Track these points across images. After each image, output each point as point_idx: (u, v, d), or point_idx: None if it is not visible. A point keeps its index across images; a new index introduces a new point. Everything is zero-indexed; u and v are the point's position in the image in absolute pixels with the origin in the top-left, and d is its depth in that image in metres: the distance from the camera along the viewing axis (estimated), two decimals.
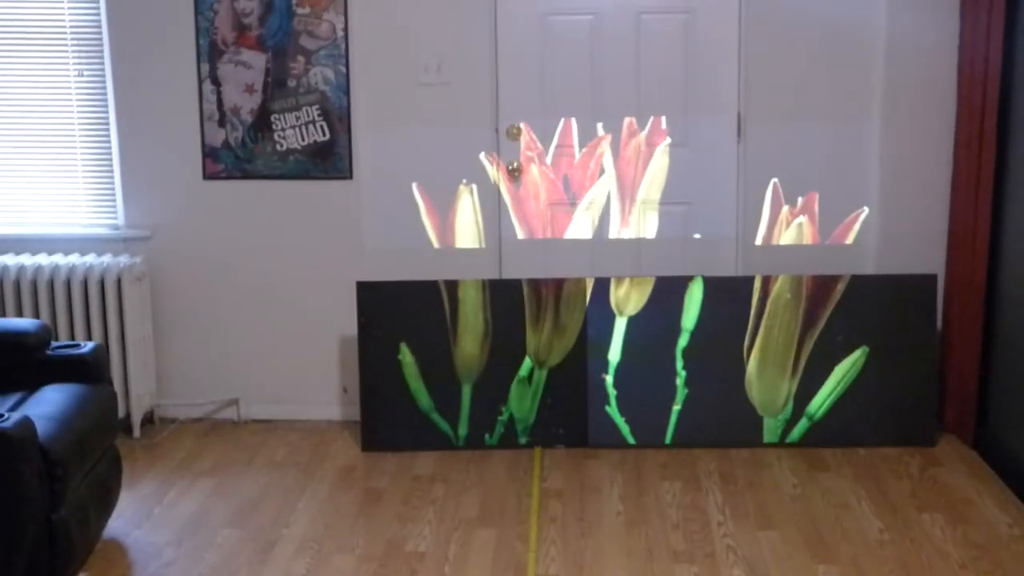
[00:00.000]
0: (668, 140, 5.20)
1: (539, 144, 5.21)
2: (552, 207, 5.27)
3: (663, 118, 5.19)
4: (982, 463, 4.83)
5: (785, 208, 5.19)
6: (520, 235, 5.29)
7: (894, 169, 5.13)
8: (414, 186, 5.25)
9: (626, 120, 5.19)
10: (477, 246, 5.29)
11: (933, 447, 4.99)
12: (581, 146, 5.22)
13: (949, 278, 5.09)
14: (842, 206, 5.21)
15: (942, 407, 5.11)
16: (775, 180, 5.19)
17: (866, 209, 5.17)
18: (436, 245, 5.30)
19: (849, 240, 5.21)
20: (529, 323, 5.02)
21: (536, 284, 5.02)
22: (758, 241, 5.22)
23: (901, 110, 5.09)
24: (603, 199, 5.24)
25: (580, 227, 5.27)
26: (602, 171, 5.22)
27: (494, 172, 5.21)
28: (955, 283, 5.03)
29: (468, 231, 5.29)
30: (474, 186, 5.24)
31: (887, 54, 5.04)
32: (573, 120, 5.20)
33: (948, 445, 5.03)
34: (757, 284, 4.98)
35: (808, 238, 5.22)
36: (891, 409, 5.01)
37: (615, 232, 5.28)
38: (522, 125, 5.18)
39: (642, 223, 5.27)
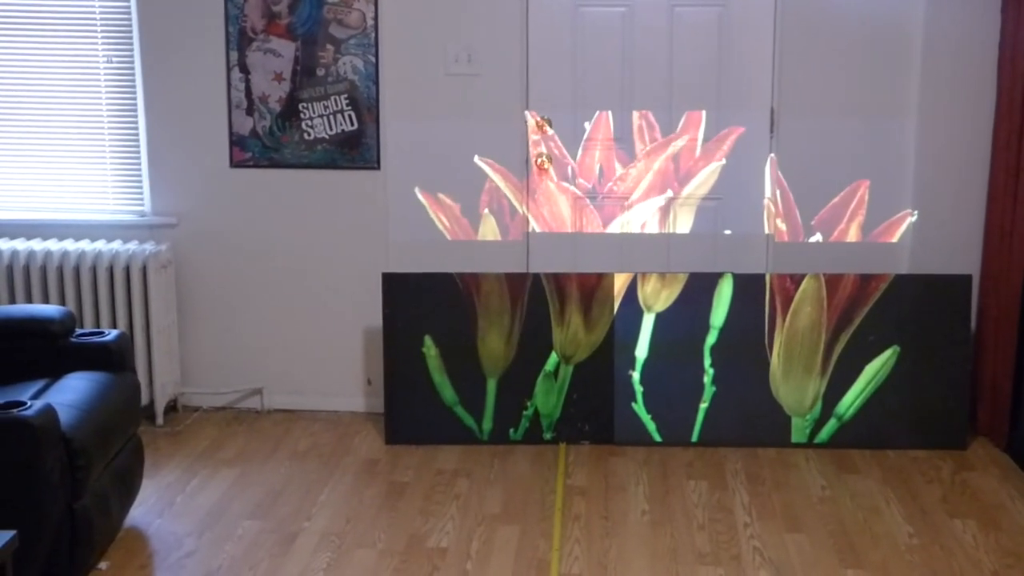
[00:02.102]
0: (722, 162, 5.15)
1: (548, 128, 5.16)
2: (575, 201, 5.22)
3: (703, 113, 5.14)
4: (1015, 467, 4.75)
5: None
6: (537, 228, 5.24)
7: (930, 167, 5.07)
8: (417, 190, 5.21)
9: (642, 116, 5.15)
10: (502, 239, 5.25)
11: (965, 450, 4.92)
12: (617, 140, 5.17)
13: (984, 278, 5.02)
14: (877, 203, 5.14)
15: (975, 409, 5.04)
16: (772, 155, 5.12)
17: (914, 214, 5.09)
18: (448, 238, 5.26)
19: (895, 239, 5.13)
20: (554, 318, 4.98)
21: (559, 278, 4.98)
22: (766, 228, 5.16)
23: (938, 107, 5.01)
24: (664, 199, 5.20)
25: (609, 221, 5.22)
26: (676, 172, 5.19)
27: (492, 173, 5.17)
28: (990, 284, 4.96)
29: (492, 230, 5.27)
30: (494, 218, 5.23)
31: (924, 49, 4.97)
32: (609, 113, 5.16)
33: (980, 448, 4.96)
34: (783, 282, 4.92)
35: (853, 236, 5.16)
36: (922, 411, 4.94)
37: (646, 227, 5.22)
38: (528, 114, 5.12)
39: (673, 219, 5.21)
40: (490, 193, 5.22)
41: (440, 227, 5.26)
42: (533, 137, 5.17)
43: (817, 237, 5.16)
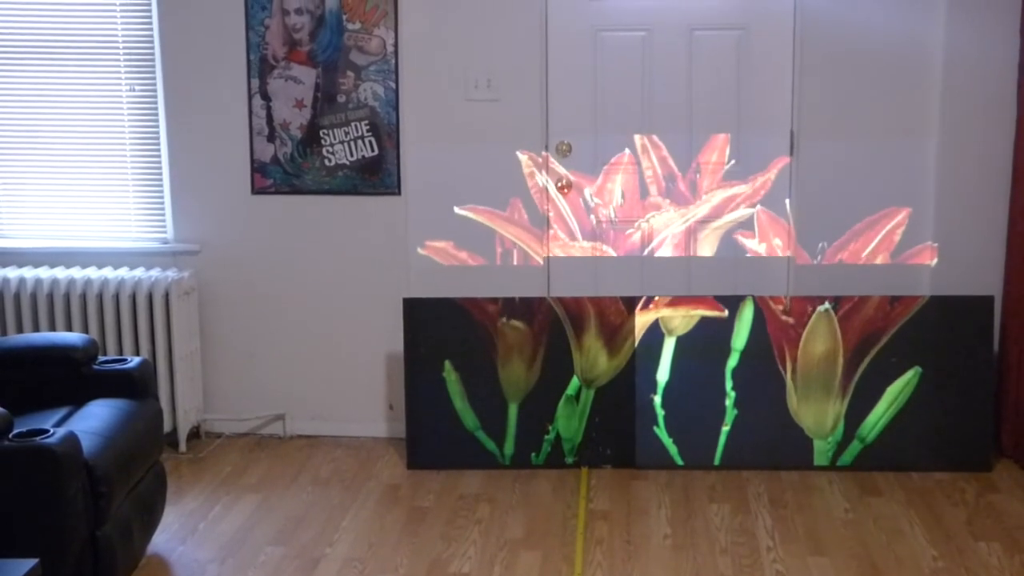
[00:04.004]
0: (756, 208, 5.16)
1: (551, 161, 5.18)
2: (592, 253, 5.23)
3: (728, 136, 5.14)
4: None
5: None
6: (556, 254, 5.26)
7: (951, 188, 5.05)
8: (418, 249, 5.25)
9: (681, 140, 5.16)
10: (524, 263, 5.26)
11: (989, 472, 4.89)
12: (642, 164, 5.18)
13: (1007, 300, 4.99)
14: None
15: (999, 431, 5.01)
16: (759, 208, 5.13)
17: (936, 255, 5.08)
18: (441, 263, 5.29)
19: (932, 262, 5.12)
20: (575, 342, 4.97)
21: (579, 302, 4.97)
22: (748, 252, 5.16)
23: (958, 129, 5.00)
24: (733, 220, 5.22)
25: (631, 244, 5.23)
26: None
27: (475, 216, 5.19)
28: (1013, 304, 4.94)
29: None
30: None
31: (944, 72, 4.97)
32: (636, 137, 5.17)
33: (1005, 470, 4.92)
34: (765, 303, 4.91)
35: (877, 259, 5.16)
36: (946, 433, 4.91)
37: (666, 250, 5.22)
38: (520, 155, 5.12)
39: (693, 242, 5.21)
40: (501, 242, 5.26)
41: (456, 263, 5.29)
42: (529, 164, 5.18)
43: (823, 259, 5.16)
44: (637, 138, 5.16)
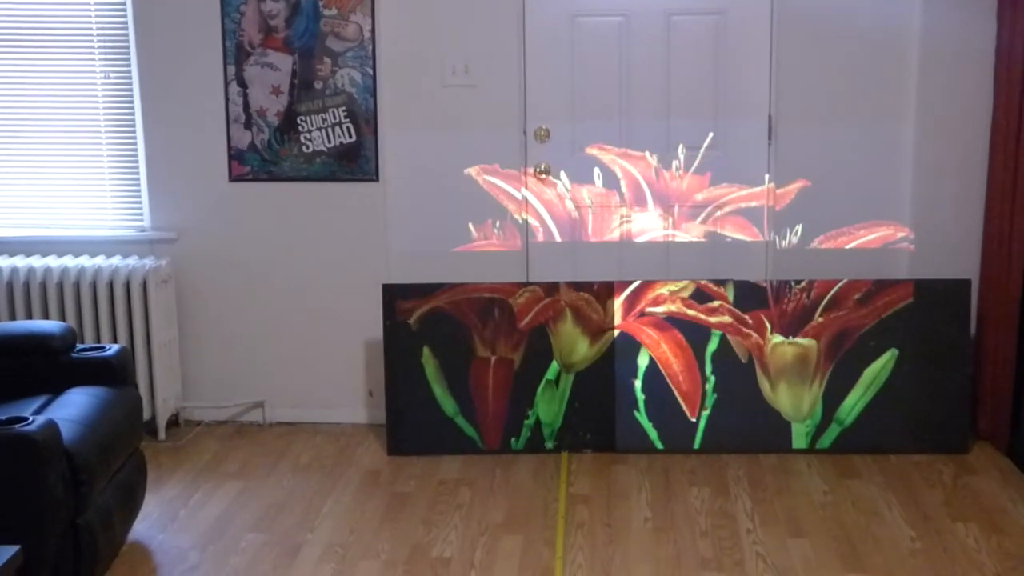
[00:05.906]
0: (771, 238, 5.18)
1: (526, 166, 5.19)
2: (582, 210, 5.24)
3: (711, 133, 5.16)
4: (1016, 470, 4.75)
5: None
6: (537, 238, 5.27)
7: (928, 172, 5.08)
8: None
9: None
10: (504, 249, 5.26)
11: (966, 454, 4.93)
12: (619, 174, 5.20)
13: (983, 283, 5.02)
14: (874, 209, 5.15)
15: (975, 414, 5.05)
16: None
17: (912, 248, 5.12)
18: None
19: (910, 246, 5.15)
20: (554, 327, 4.98)
21: (559, 287, 4.98)
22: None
23: (935, 112, 5.03)
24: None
25: (611, 229, 5.24)
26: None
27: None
28: (989, 288, 4.97)
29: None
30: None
31: (921, 56, 4.99)
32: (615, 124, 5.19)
33: (982, 452, 4.96)
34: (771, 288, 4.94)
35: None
36: (923, 416, 4.94)
37: (645, 235, 5.24)
38: (469, 171, 5.13)
39: (673, 227, 5.22)
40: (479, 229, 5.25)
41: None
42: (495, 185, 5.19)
43: (802, 243, 5.18)
44: (613, 158, 5.17)
